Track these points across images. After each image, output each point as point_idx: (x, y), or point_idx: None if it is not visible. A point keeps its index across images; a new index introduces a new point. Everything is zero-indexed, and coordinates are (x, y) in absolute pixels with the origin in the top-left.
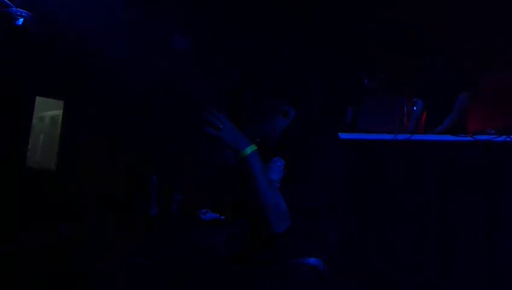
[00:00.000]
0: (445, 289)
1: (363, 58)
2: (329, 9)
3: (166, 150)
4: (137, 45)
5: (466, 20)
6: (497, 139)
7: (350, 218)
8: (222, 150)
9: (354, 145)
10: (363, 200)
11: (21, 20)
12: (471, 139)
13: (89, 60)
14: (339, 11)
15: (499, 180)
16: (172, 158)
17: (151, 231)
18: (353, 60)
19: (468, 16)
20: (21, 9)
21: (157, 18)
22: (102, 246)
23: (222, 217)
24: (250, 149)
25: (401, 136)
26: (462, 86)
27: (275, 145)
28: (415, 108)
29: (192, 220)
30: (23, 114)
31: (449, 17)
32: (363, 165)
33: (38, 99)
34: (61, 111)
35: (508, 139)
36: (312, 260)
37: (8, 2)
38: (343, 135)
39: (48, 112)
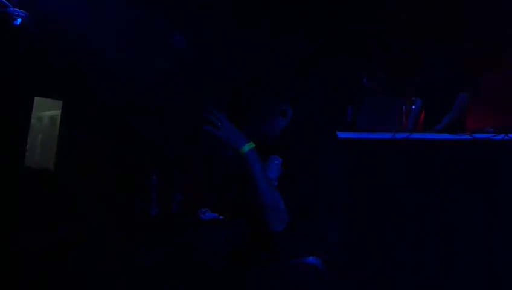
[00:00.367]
0: (445, 289)
1: (362, 58)
2: (328, 9)
3: (166, 150)
4: (136, 44)
5: (465, 21)
6: (495, 137)
7: (350, 218)
8: (222, 149)
9: (354, 144)
10: (363, 200)
11: (19, 20)
12: (470, 137)
13: (88, 60)
14: (338, 11)
15: (499, 179)
16: (172, 158)
17: (151, 231)
18: (352, 60)
19: (467, 16)
20: (19, 10)
21: (156, 18)
22: (102, 246)
23: (221, 216)
24: (248, 147)
25: (399, 135)
26: (461, 85)
27: (274, 144)
28: (413, 107)
29: (192, 220)
30: (21, 114)
31: (448, 17)
32: (363, 164)
33: (36, 99)
34: (60, 111)
35: (506, 137)
36: (311, 259)
37: (5, 2)
38: (342, 134)
39: (47, 112)
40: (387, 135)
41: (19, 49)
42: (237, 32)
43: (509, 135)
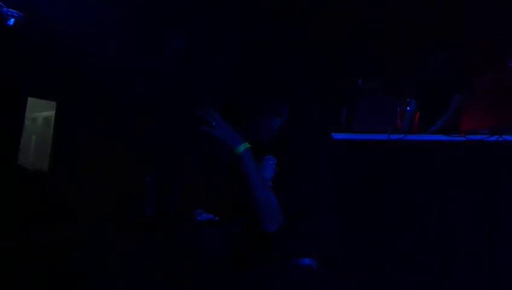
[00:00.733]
0: (445, 289)
1: (357, 58)
2: (327, 9)
3: (163, 150)
4: (131, 44)
5: (463, 20)
6: (489, 139)
7: (350, 218)
8: (217, 149)
9: (352, 145)
10: (363, 200)
11: (12, 20)
12: (464, 139)
13: (83, 61)
14: (336, 11)
15: (495, 180)
16: (169, 158)
17: (149, 231)
18: (348, 61)
19: (465, 16)
20: (12, 10)
21: (153, 17)
22: (100, 246)
23: (216, 217)
24: (243, 147)
25: (394, 136)
26: (457, 87)
27: (269, 145)
28: (408, 108)
29: (190, 221)
30: (15, 115)
31: (446, 18)
32: (363, 165)
33: (30, 100)
34: (54, 112)
35: (499, 139)
36: (306, 261)
37: None
38: (337, 136)
39: (41, 113)
40: (382, 136)
41: (12, 49)
42: (234, 32)
43: (503, 136)
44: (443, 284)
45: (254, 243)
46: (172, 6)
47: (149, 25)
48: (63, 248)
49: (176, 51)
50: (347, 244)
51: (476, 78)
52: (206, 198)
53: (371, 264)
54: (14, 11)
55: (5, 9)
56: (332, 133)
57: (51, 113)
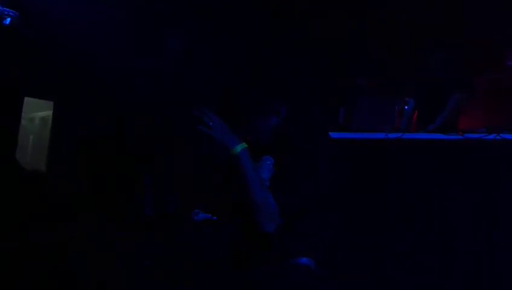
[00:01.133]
0: (445, 289)
1: (356, 58)
2: (327, 9)
3: (161, 150)
4: (129, 44)
5: (463, 20)
6: (486, 137)
7: (349, 218)
8: (215, 150)
9: (351, 145)
10: (362, 200)
11: (8, 19)
12: (461, 137)
13: (80, 60)
14: (336, 11)
15: (493, 179)
16: (167, 158)
17: (149, 231)
18: (346, 60)
19: (465, 16)
20: (8, 9)
21: (151, 17)
22: (102, 246)
23: (214, 217)
24: (240, 147)
25: (392, 135)
26: (456, 86)
27: (266, 144)
28: (406, 107)
29: (188, 221)
30: (11, 115)
31: (446, 18)
32: (363, 164)
33: (28, 100)
34: (51, 112)
35: (497, 137)
36: (304, 260)
37: None
38: (335, 135)
39: (38, 112)
40: (380, 135)
41: (9, 49)
42: (232, 32)
43: (501, 135)
44: (443, 284)
45: (253, 243)
46: (173, 6)
47: (149, 25)
48: (63, 248)
49: (175, 51)
50: (347, 245)
51: (475, 77)
52: (204, 198)
53: (370, 264)
54: (10, 10)
55: (1, 8)
56: (330, 133)
57: (48, 113)
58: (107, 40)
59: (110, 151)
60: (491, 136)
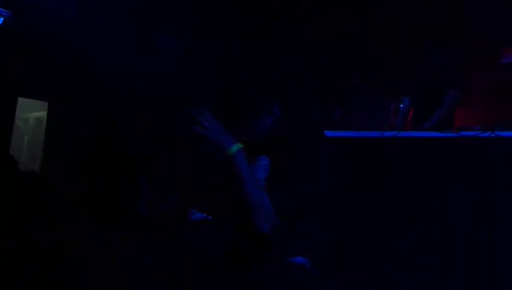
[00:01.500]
0: (445, 289)
1: (353, 57)
2: (326, 9)
3: (156, 150)
4: (123, 44)
5: (463, 20)
6: (482, 135)
7: (349, 218)
8: (210, 150)
9: (351, 144)
10: (362, 200)
11: (1, 19)
12: (457, 135)
13: (74, 61)
14: (336, 11)
15: (492, 176)
16: (163, 158)
17: (146, 231)
18: (342, 60)
19: (465, 16)
20: (2, 9)
21: (146, 18)
22: (102, 246)
23: (210, 217)
24: (236, 148)
25: (387, 133)
26: (451, 83)
27: (262, 144)
28: (401, 106)
29: (185, 221)
30: (5, 115)
31: (446, 18)
32: (362, 164)
33: (22, 100)
34: (46, 112)
35: (492, 135)
36: (299, 259)
37: None
38: (330, 133)
39: (33, 113)
40: (375, 133)
41: (2, 49)
42: (229, 32)
43: (496, 132)
44: (443, 284)
45: (250, 243)
46: (172, 6)
47: (148, 25)
48: (63, 247)
49: (174, 51)
50: (347, 244)
51: (470, 75)
52: (202, 198)
53: (370, 264)
54: (4, 10)
55: None
56: (326, 131)
57: (42, 113)
58: (104, 40)
59: (105, 152)
60: (486, 134)
